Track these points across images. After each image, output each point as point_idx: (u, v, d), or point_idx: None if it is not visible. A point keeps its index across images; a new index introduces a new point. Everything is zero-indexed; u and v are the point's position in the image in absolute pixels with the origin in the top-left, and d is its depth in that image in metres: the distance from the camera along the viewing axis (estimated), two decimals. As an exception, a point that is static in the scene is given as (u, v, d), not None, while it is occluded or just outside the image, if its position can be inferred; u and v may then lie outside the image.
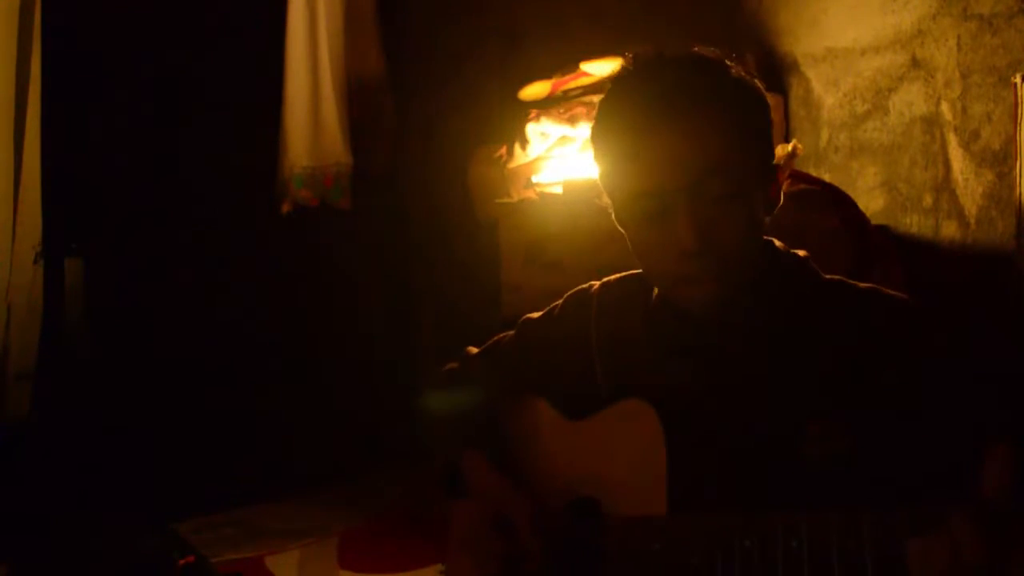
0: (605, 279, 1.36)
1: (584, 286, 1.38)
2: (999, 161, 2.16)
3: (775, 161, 1.21)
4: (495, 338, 1.46)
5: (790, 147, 2.22)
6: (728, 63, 1.16)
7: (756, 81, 1.19)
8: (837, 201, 2.24)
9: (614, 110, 1.18)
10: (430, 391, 1.46)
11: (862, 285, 1.18)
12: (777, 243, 1.23)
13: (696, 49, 1.18)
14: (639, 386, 1.19)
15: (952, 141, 2.26)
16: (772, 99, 2.65)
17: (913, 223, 2.37)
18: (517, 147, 2.71)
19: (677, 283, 1.16)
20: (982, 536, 0.82)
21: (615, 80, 1.19)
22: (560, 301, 1.39)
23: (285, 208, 3.21)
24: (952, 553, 0.83)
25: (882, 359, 1.09)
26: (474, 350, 1.48)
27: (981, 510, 0.83)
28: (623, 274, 1.33)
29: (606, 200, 1.21)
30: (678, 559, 1.05)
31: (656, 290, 1.25)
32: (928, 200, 2.34)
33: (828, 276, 1.21)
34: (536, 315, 1.41)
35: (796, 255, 1.22)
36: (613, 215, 1.22)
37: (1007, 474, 0.84)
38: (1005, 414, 1.04)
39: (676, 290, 1.17)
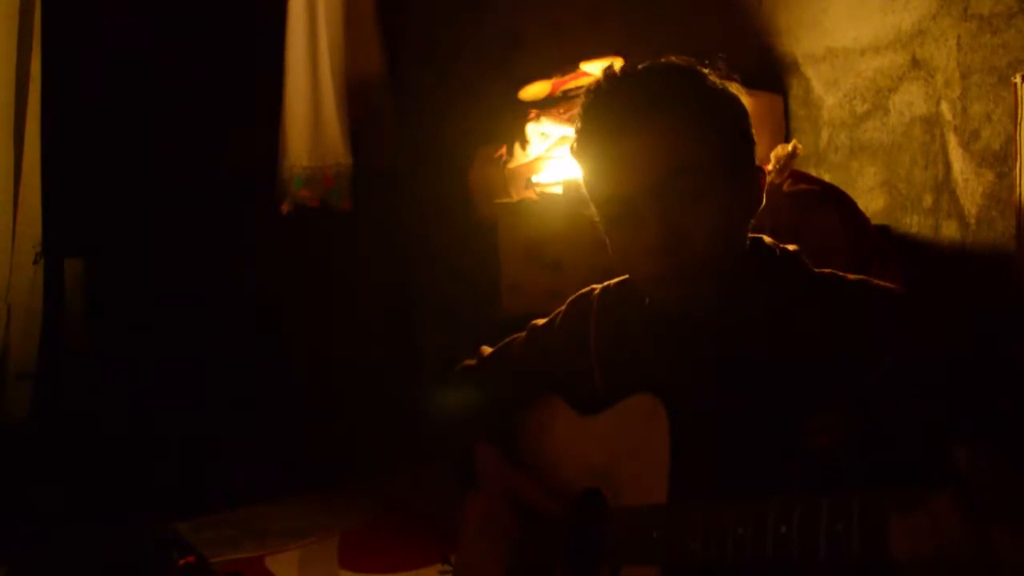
0: (606, 283, 1.38)
1: (585, 290, 1.40)
2: (999, 161, 2.16)
3: (772, 164, 1.22)
4: (508, 339, 1.49)
5: (790, 147, 2.22)
6: (700, 69, 1.19)
7: (731, 84, 1.21)
8: (837, 201, 2.24)
9: (585, 122, 1.21)
10: (445, 386, 1.50)
11: (851, 277, 1.20)
12: (767, 239, 1.24)
13: (666, 59, 1.21)
14: (637, 387, 1.21)
15: (952, 141, 2.26)
16: (772, 99, 2.66)
17: (913, 223, 2.37)
18: (517, 147, 2.71)
19: (648, 283, 1.19)
20: (962, 515, 0.84)
21: (586, 95, 1.23)
22: (563, 307, 1.41)
23: (285, 208, 3.21)
24: (934, 534, 0.85)
25: (873, 348, 1.10)
26: (488, 349, 1.51)
27: (960, 490, 0.85)
28: (623, 277, 1.34)
29: (592, 209, 1.24)
30: (676, 545, 1.08)
31: None
32: (928, 200, 2.34)
33: (818, 270, 1.22)
34: (541, 321, 1.45)
35: (786, 250, 1.23)
36: (599, 223, 1.24)
37: (983, 457, 0.85)
38: (984, 402, 1.06)
39: (649, 290, 1.21)
